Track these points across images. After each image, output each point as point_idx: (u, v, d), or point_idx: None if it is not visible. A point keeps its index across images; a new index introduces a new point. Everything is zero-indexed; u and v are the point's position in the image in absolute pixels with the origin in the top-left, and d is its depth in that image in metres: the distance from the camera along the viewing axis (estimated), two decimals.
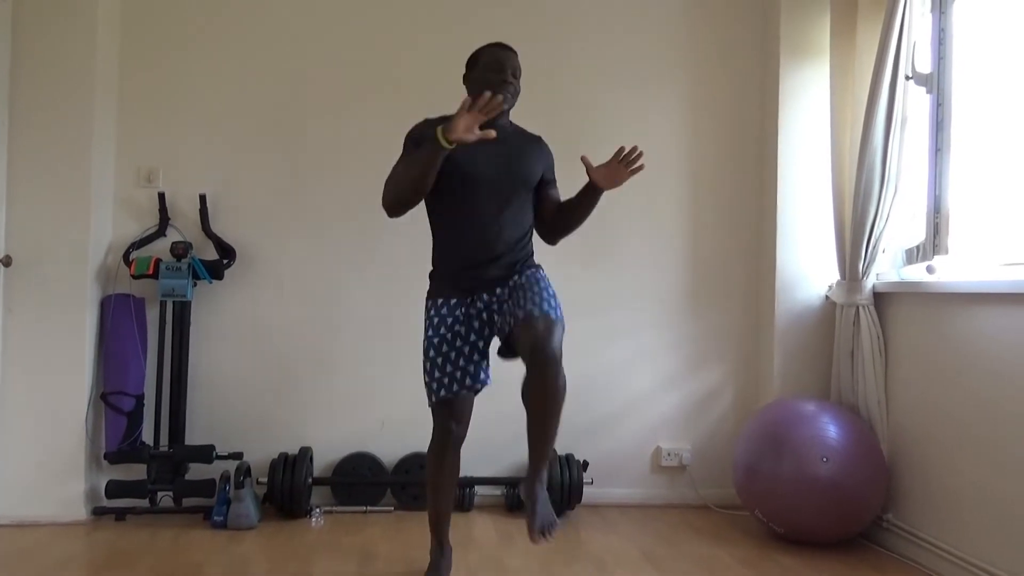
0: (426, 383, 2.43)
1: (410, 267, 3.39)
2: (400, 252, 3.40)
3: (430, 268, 2.51)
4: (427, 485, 2.53)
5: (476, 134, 2.17)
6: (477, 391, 2.46)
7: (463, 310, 2.44)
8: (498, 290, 2.42)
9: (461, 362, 2.40)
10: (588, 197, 2.46)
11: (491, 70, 2.40)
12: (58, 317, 3.10)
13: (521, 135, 2.54)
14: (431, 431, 2.47)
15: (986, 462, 2.48)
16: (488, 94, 2.15)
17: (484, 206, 2.39)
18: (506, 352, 2.40)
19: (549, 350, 2.15)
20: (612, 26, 3.54)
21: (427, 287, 2.51)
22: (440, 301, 2.45)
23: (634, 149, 2.39)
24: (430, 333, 2.44)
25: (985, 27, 2.77)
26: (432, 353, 2.42)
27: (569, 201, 2.51)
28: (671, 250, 3.55)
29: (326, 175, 3.43)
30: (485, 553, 2.81)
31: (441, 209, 2.45)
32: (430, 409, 2.45)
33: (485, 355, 2.45)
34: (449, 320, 2.43)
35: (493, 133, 2.20)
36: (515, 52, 2.47)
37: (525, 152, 2.48)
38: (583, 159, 2.42)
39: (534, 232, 2.55)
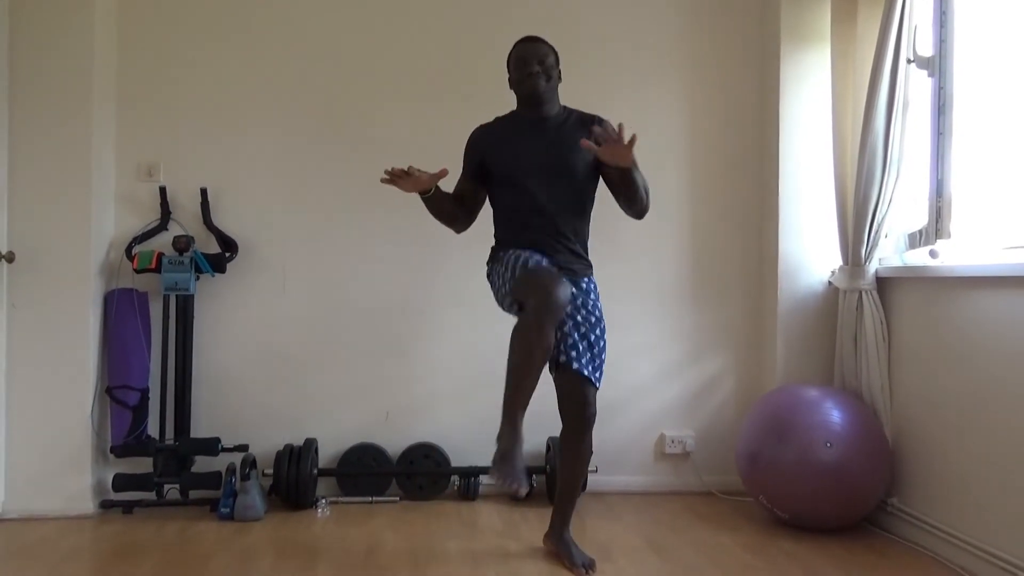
0: (507, 271, 2.43)
1: (413, 257, 3.42)
2: (403, 243, 3.40)
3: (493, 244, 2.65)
4: (513, 361, 2.28)
5: (425, 179, 2.44)
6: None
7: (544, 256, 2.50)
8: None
9: (547, 262, 2.46)
10: (621, 175, 2.47)
11: (516, 68, 2.56)
12: (62, 313, 3.11)
13: (572, 121, 2.59)
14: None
15: (990, 446, 2.48)
16: (393, 169, 2.42)
17: (532, 196, 2.52)
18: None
19: (587, 416, 2.47)
20: (612, 14, 3.53)
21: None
22: (517, 247, 2.52)
23: (608, 126, 2.41)
24: (511, 252, 2.49)
25: (987, 9, 2.75)
26: (519, 253, 2.46)
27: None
28: (673, 237, 3.55)
29: (328, 167, 3.42)
30: (490, 542, 2.82)
31: (496, 199, 2.64)
32: (513, 306, 2.43)
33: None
34: (534, 251, 2.49)
35: (446, 171, 2.46)
36: (538, 41, 2.57)
37: (572, 138, 2.51)
38: (584, 144, 2.40)
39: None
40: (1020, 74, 2.58)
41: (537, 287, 2.28)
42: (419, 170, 2.45)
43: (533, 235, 2.54)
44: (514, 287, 2.40)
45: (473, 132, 2.67)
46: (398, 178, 2.44)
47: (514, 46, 2.58)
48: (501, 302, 2.57)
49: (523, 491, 2.31)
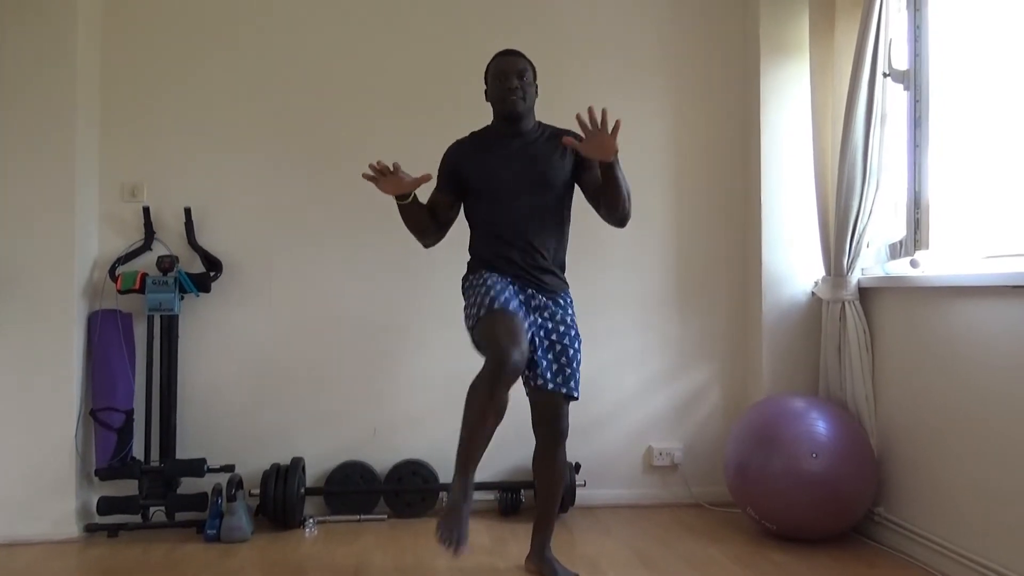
0: (476, 304, 2.41)
1: (398, 275, 3.42)
2: (388, 260, 3.40)
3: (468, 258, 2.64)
4: (466, 417, 2.25)
5: (408, 182, 2.40)
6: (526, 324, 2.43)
7: (512, 284, 2.50)
8: (535, 302, 2.51)
9: (515, 303, 2.43)
10: (604, 172, 2.43)
11: (495, 83, 2.54)
12: (45, 334, 3.08)
13: (547, 136, 2.59)
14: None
15: (974, 453, 2.50)
16: (378, 164, 2.37)
17: (508, 212, 2.51)
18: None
19: (560, 429, 2.49)
20: (593, 25, 3.56)
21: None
22: (491, 269, 2.52)
23: (591, 112, 2.29)
24: (484, 275, 2.48)
25: (960, 23, 2.79)
26: (490, 282, 2.44)
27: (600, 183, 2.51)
28: (657, 250, 3.57)
29: (312, 185, 3.42)
30: (479, 558, 2.81)
31: (473, 214, 2.62)
32: (475, 344, 2.44)
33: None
34: (505, 277, 2.50)
35: (430, 175, 2.47)
36: (518, 55, 2.56)
37: (548, 152, 2.54)
38: (567, 141, 2.39)
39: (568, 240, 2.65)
40: (993, 86, 2.63)
41: (495, 347, 2.26)
42: (404, 171, 2.43)
43: (507, 251, 2.51)
44: (477, 329, 2.40)
45: (450, 147, 2.64)
46: (381, 175, 2.38)
47: (493, 59, 2.57)
48: (467, 326, 2.51)
49: (462, 552, 2.17)
